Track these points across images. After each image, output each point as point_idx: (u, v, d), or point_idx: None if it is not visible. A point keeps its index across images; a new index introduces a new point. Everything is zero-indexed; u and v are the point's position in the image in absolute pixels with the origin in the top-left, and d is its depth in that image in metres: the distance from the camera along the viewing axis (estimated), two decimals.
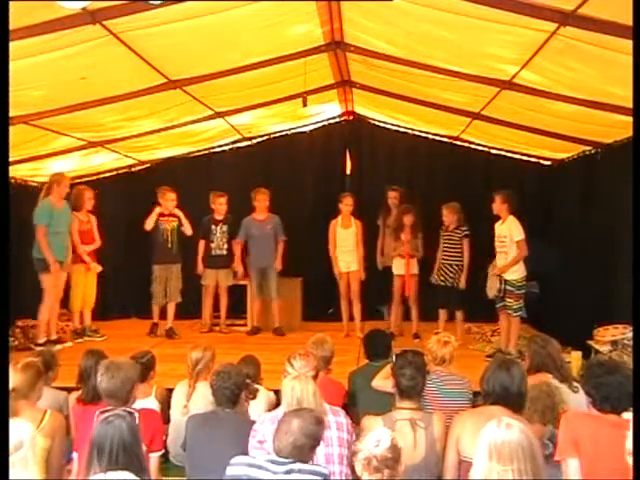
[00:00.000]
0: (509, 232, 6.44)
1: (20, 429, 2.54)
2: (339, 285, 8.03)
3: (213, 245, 7.99)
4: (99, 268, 7.61)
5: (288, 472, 2.78)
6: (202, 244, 7.98)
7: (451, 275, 7.29)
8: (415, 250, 7.61)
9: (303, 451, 2.82)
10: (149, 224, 7.65)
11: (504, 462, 2.34)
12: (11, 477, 2.40)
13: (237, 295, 8.23)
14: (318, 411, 3.34)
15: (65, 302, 7.54)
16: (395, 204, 7.90)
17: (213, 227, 7.98)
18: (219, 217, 8.01)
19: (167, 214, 7.81)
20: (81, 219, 7.51)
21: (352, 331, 7.83)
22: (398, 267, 7.65)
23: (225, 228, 8.00)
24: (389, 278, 7.81)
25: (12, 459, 2.42)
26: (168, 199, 7.78)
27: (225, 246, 8.02)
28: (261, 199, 7.98)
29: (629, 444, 2.45)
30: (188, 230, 7.84)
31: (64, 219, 7.17)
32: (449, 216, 7.31)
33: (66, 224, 7.21)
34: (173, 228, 7.83)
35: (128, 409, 3.11)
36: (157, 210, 7.69)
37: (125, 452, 2.59)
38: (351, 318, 7.99)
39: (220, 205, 7.96)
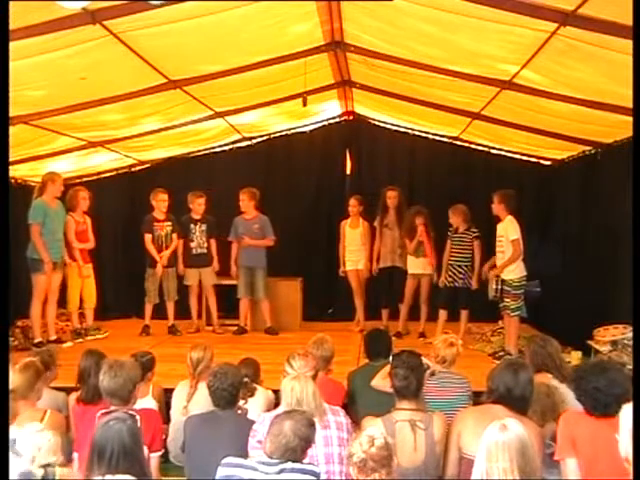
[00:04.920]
0: (505, 232, 6.45)
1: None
2: (350, 283, 8.16)
3: (193, 244, 8.02)
4: (87, 271, 7.55)
5: (280, 472, 2.78)
6: (181, 244, 8.01)
7: (460, 276, 7.28)
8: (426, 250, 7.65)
9: (296, 452, 2.82)
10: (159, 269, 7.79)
11: (491, 460, 2.40)
12: None
13: (229, 295, 8.22)
14: (318, 411, 3.34)
15: (63, 302, 7.54)
16: (394, 204, 7.91)
17: (192, 226, 8.02)
18: (197, 217, 8.04)
19: (161, 219, 7.85)
20: (77, 220, 7.49)
21: (347, 328, 8.02)
22: (414, 266, 7.68)
23: (204, 227, 8.04)
24: (389, 278, 7.92)
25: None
26: (160, 200, 7.83)
27: (205, 245, 8.05)
28: (243, 199, 8.00)
29: (622, 449, 2.44)
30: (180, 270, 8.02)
31: (59, 219, 7.13)
32: (454, 218, 7.31)
33: (61, 224, 7.17)
34: (167, 233, 7.87)
35: (130, 412, 3.11)
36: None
37: (126, 456, 2.58)
38: (352, 315, 8.27)
39: (199, 205, 8.01)
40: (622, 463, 2.51)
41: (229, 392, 3.66)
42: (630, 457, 2.37)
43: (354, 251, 8.12)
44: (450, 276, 7.35)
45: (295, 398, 3.37)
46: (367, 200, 8.29)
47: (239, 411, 3.93)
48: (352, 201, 8.18)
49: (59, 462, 2.54)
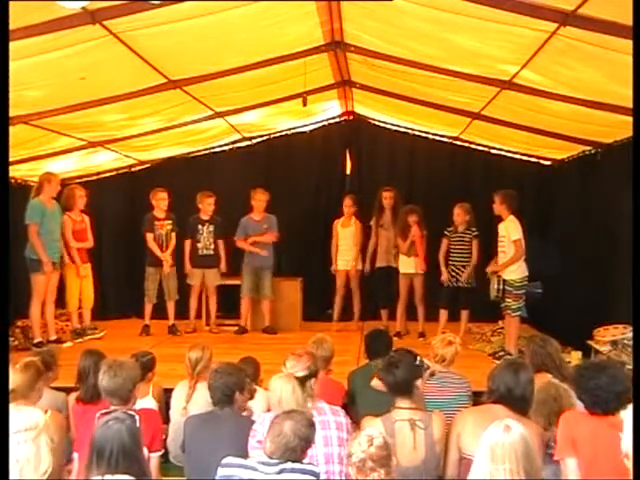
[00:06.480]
0: (507, 232, 6.45)
1: (35, 414, 2.51)
2: (337, 281, 8.26)
3: (200, 245, 8.01)
4: (85, 271, 7.55)
5: (280, 472, 2.79)
6: (188, 244, 8.01)
7: (461, 276, 7.31)
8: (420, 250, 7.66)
9: (296, 452, 2.83)
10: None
11: (496, 461, 2.38)
12: (20, 453, 2.36)
13: (229, 295, 8.23)
14: (302, 409, 3.33)
15: (61, 302, 7.53)
16: (390, 204, 7.93)
17: (200, 227, 8.01)
18: (205, 217, 8.04)
19: (162, 218, 7.85)
20: (74, 219, 7.49)
21: (343, 329, 8.03)
22: (405, 266, 7.69)
23: (212, 228, 8.03)
24: (386, 278, 7.96)
25: (24, 436, 2.38)
26: (159, 199, 7.83)
27: (212, 246, 8.04)
28: (261, 199, 8.03)
29: (624, 446, 2.45)
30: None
31: (55, 219, 7.14)
32: (462, 215, 7.31)
33: (58, 224, 7.17)
34: (167, 232, 7.87)
35: (129, 411, 3.10)
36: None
37: (125, 456, 2.58)
38: (351, 315, 8.33)
39: (208, 205, 8.00)
40: (622, 462, 2.52)
41: (230, 389, 3.65)
42: (629, 452, 2.37)
43: (346, 250, 8.19)
44: (452, 276, 7.36)
45: (276, 397, 3.40)
46: (367, 200, 8.31)
47: (244, 412, 3.93)
48: (347, 201, 8.24)
49: None
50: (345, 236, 8.20)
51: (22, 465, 2.25)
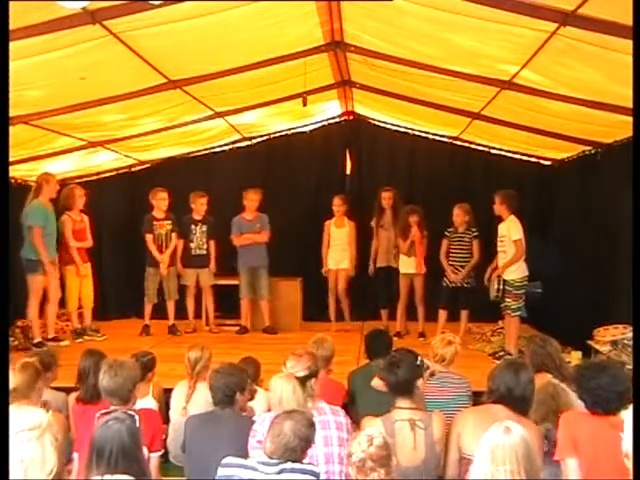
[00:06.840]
0: (508, 232, 6.45)
1: (38, 413, 2.50)
2: (328, 282, 8.24)
3: (193, 245, 8.03)
4: (85, 270, 7.56)
5: (280, 472, 2.79)
6: (181, 244, 8.02)
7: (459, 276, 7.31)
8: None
9: (296, 452, 2.83)
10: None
11: (496, 463, 2.37)
12: (25, 453, 2.34)
13: (229, 295, 8.23)
14: (302, 409, 3.33)
15: (61, 302, 7.52)
16: (389, 205, 7.94)
17: (193, 227, 8.02)
18: (198, 217, 8.05)
19: (161, 218, 7.85)
20: (74, 218, 7.51)
21: (341, 329, 8.02)
22: (405, 266, 7.69)
23: (205, 228, 8.04)
24: (386, 278, 7.96)
25: (28, 435, 2.36)
26: (159, 199, 7.83)
27: (205, 246, 8.05)
28: (253, 199, 8.03)
29: (625, 446, 2.45)
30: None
31: (53, 220, 7.18)
32: (461, 216, 7.31)
33: (54, 225, 7.20)
34: (167, 232, 7.87)
35: (129, 411, 3.10)
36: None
37: (125, 456, 2.58)
38: (342, 316, 8.31)
39: (201, 205, 8.01)
40: (623, 462, 2.52)
41: (230, 389, 3.65)
42: (630, 452, 2.37)
43: (339, 250, 8.17)
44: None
45: (277, 397, 3.41)
46: (367, 200, 8.30)
47: (244, 413, 3.93)
48: (336, 200, 8.22)
49: None
50: (339, 236, 8.18)
51: (27, 465, 2.24)
